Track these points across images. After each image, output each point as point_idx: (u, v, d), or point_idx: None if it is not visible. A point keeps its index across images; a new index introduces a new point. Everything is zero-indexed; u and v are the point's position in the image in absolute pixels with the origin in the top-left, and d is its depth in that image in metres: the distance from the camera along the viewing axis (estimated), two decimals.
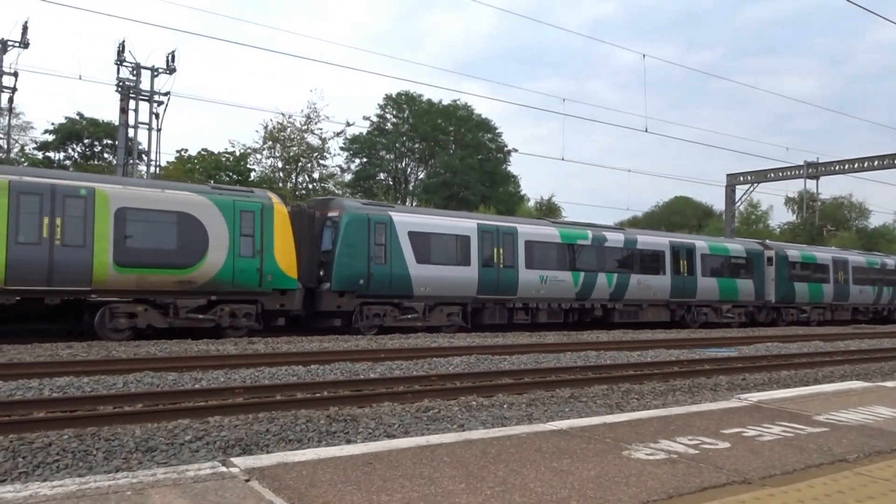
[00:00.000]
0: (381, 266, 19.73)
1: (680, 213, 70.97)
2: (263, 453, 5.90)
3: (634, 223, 58.69)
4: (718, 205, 62.01)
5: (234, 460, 3.72)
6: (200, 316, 16.90)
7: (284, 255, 18.06)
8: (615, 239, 25.74)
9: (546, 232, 23.97)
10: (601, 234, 25.42)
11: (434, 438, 4.41)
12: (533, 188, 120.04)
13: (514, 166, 70.08)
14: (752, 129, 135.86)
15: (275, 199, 18.64)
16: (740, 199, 47.65)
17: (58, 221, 15.00)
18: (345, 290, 19.26)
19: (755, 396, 6.85)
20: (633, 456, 4.16)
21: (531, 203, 57.96)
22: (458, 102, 53.47)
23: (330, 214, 19.86)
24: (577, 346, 17.38)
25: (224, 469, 3.57)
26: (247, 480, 3.39)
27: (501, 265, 22.23)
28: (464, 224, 21.86)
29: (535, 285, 22.90)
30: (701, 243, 29.18)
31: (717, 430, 4.97)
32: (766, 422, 5.38)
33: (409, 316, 20.47)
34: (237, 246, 17.28)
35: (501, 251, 22.23)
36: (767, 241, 35.67)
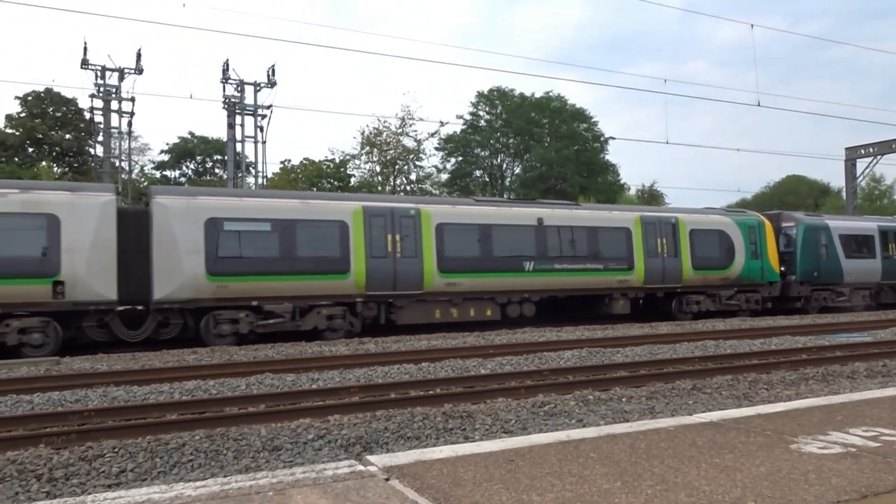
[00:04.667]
0: (826, 262, 25.53)
1: (794, 193, 66.88)
2: (396, 451, 5.79)
3: (744, 205, 55.81)
4: (836, 181, 58.16)
5: (371, 458, 3.57)
6: (732, 301, 23.43)
7: (771, 257, 24.17)
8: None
9: None
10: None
11: (575, 433, 4.12)
12: (633, 176, 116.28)
13: (613, 155, 68.23)
14: (870, 99, 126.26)
15: (762, 217, 25.03)
16: (862, 173, 44.21)
17: (398, 238, 17.99)
18: (804, 280, 24.95)
19: None
20: (805, 450, 3.71)
21: (632, 191, 56.29)
22: (550, 94, 52.68)
23: (785, 224, 25.65)
24: (694, 335, 16.54)
25: (361, 467, 3.43)
26: (386, 479, 3.23)
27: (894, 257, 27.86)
28: (867, 226, 27.71)
29: None
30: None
31: (894, 419, 4.41)
32: None
33: (840, 298, 26.25)
34: (747, 251, 23.51)
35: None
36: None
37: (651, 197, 53.51)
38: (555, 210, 20.98)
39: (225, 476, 3.76)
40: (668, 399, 9.12)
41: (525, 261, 19.71)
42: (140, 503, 3.02)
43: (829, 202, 60.74)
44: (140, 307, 16.14)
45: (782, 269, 24.73)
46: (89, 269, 14.80)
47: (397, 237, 17.96)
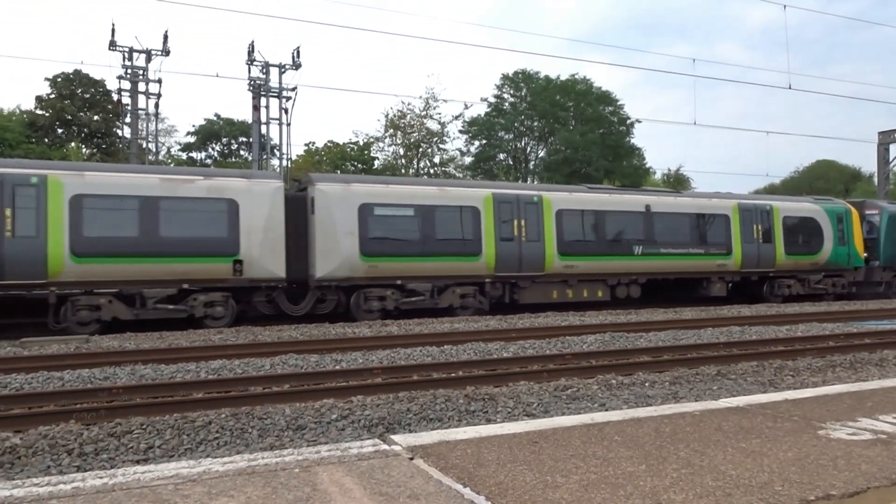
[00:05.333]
0: None
1: (823, 178, 65.55)
2: (416, 432, 5.82)
3: (772, 190, 54.92)
4: (868, 166, 56.89)
5: (395, 438, 3.59)
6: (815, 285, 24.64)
7: (857, 243, 25.19)
8: None
9: None
10: None
11: (599, 416, 4.10)
12: (659, 160, 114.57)
13: (639, 138, 67.28)
14: None
15: (848, 205, 26.01)
16: (895, 158, 43.16)
17: (523, 223, 19.38)
18: (886, 266, 26.05)
19: None
20: (833, 436, 3.65)
21: (657, 175, 55.52)
22: (576, 77, 52.01)
23: (868, 212, 26.47)
24: (719, 321, 16.37)
25: (385, 447, 3.45)
26: (410, 459, 3.25)
27: None
28: None
29: None
30: None
31: None
32: None
33: None
34: (835, 238, 24.68)
35: None
36: None
37: (677, 181, 52.77)
38: (660, 197, 22.31)
39: (251, 453, 3.80)
40: (692, 385, 9.07)
41: (635, 244, 21.07)
42: (169, 477, 3.07)
43: (860, 187, 59.49)
44: (289, 284, 17.33)
45: (865, 254, 25.63)
46: (263, 250, 16.37)
47: (522, 222, 19.37)
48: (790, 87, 28.28)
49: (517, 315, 18.57)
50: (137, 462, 5.61)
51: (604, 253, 20.62)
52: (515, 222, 19.28)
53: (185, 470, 3.06)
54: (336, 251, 17.16)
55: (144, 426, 6.51)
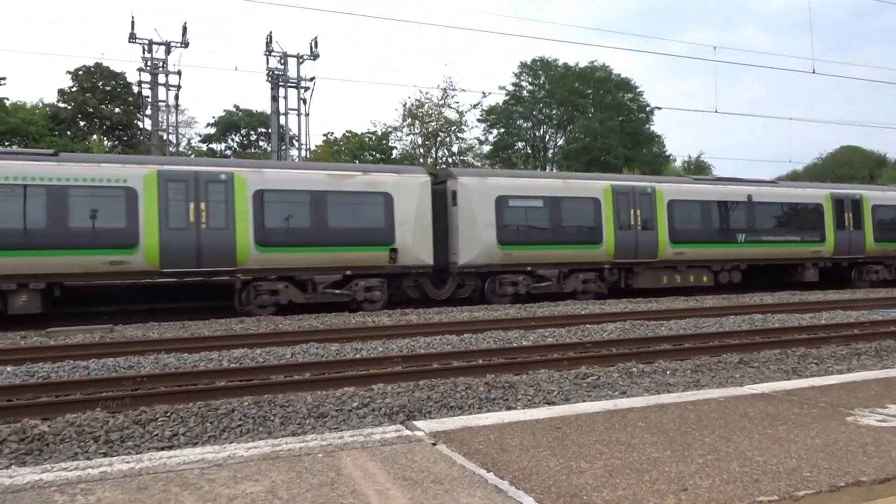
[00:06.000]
0: None
1: (847, 164, 64.47)
2: (437, 418, 5.83)
3: (795, 177, 54.14)
4: (893, 152, 55.87)
5: (418, 424, 3.59)
6: None
7: None
8: None
9: None
10: None
11: (622, 402, 4.07)
12: (680, 147, 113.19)
13: (658, 126, 66.55)
14: None
15: None
16: None
17: (638, 212, 20.75)
18: None
19: None
20: (862, 422, 3.60)
21: (678, 163, 54.95)
22: (595, 64, 51.57)
23: None
24: (741, 309, 16.21)
25: (408, 432, 3.45)
26: (433, 444, 3.25)
27: None
28: None
29: None
30: None
31: None
32: None
33: None
34: None
35: None
36: None
37: (697, 168, 52.19)
38: (760, 187, 23.27)
39: (275, 439, 3.82)
40: (714, 372, 9.01)
41: (738, 233, 22.24)
42: (194, 462, 3.10)
43: (886, 174, 58.42)
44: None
45: None
46: (414, 239, 17.83)
47: (638, 212, 20.70)
48: (814, 72, 27.73)
49: (536, 304, 18.55)
50: (162, 449, 5.67)
51: (711, 241, 21.86)
52: (632, 212, 20.63)
53: (210, 455, 3.08)
54: (476, 240, 18.60)
55: (169, 414, 6.59)
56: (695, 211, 21.82)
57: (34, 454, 5.61)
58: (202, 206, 15.84)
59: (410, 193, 17.96)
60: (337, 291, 17.09)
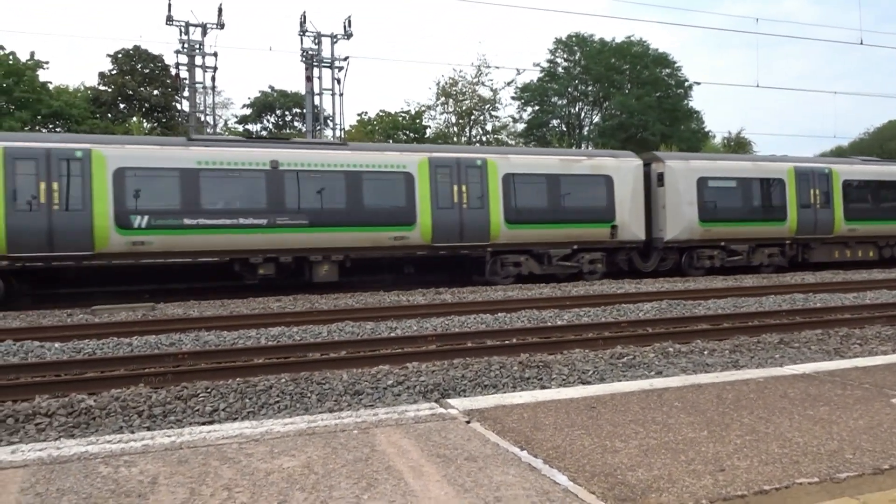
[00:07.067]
0: None
1: (895, 139, 62.35)
2: (471, 396, 5.85)
3: (840, 153, 52.57)
4: None
5: (451, 402, 3.61)
6: None
7: None
8: None
9: None
10: None
11: (658, 382, 4.02)
12: (719, 123, 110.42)
13: (697, 101, 64.96)
14: None
15: None
16: None
17: (817, 192, 22.41)
18: None
19: None
20: None
21: (717, 139, 53.73)
22: (631, 39, 50.54)
23: None
24: (782, 288, 15.88)
25: (442, 410, 3.47)
26: (467, 422, 3.26)
27: None
28: None
29: None
30: None
31: None
32: None
33: None
34: None
35: None
36: None
37: (738, 145, 50.99)
38: None
39: (311, 415, 3.87)
40: (753, 353, 8.84)
41: None
42: (233, 436, 3.16)
43: None
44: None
45: None
46: (630, 216, 19.79)
47: (817, 191, 22.48)
48: (861, 43, 26.84)
49: (571, 283, 18.48)
50: (203, 424, 5.81)
51: (879, 217, 23.50)
52: (812, 191, 22.39)
53: (248, 430, 3.14)
54: (681, 217, 20.53)
55: (209, 390, 6.73)
56: (866, 190, 23.52)
57: (81, 427, 5.80)
58: (463, 188, 18.16)
59: (627, 175, 19.85)
60: (567, 263, 19.22)
